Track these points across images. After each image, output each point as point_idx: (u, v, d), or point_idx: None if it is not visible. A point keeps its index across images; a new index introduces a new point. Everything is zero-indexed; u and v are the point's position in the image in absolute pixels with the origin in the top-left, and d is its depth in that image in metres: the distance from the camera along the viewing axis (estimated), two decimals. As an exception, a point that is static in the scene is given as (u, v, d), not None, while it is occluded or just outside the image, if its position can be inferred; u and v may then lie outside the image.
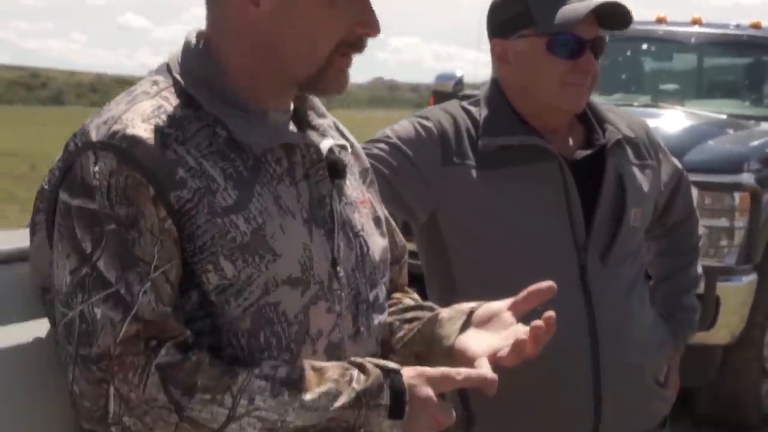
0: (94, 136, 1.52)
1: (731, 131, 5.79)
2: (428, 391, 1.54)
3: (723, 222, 5.00)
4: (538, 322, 1.60)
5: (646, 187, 2.37)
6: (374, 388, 1.52)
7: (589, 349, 2.25)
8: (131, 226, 1.49)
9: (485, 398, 2.28)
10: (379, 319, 1.73)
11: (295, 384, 1.50)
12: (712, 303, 4.84)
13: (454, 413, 1.57)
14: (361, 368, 1.54)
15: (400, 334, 1.80)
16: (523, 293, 1.70)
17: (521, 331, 1.64)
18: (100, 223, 1.48)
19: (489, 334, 1.70)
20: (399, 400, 1.52)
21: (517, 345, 1.61)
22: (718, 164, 5.12)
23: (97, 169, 1.50)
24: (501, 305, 1.73)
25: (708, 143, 5.34)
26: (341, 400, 1.50)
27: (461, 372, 1.56)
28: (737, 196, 5.04)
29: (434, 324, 1.77)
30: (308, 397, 1.49)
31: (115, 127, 1.51)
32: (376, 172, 1.99)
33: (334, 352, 1.62)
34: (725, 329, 5.01)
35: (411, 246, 2.15)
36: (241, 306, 1.54)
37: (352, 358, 1.58)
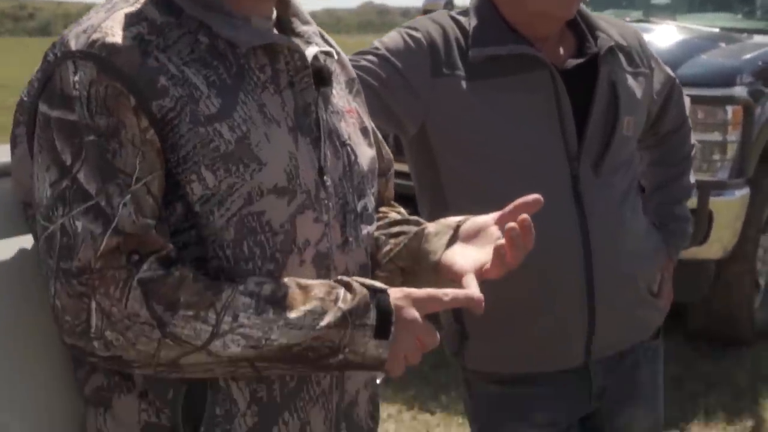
0: (73, 45, 1.49)
1: (723, 45, 5.72)
2: (414, 313, 1.52)
3: (716, 136, 4.96)
4: (512, 224, 1.58)
5: (639, 95, 2.33)
6: (360, 308, 1.50)
7: (582, 259, 2.23)
8: (112, 137, 1.46)
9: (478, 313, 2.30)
10: (367, 229, 1.70)
11: (280, 301, 1.48)
12: (704, 218, 4.83)
13: (438, 335, 1.55)
14: (348, 287, 1.52)
15: (386, 248, 1.78)
16: (510, 206, 1.67)
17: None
18: (80, 134, 1.46)
19: (475, 249, 1.67)
20: (385, 320, 1.50)
21: (497, 253, 1.59)
22: (710, 78, 5.07)
23: (76, 79, 1.46)
24: (488, 219, 1.70)
25: (700, 57, 5.28)
26: (326, 319, 1.48)
27: (448, 293, 1.54)
28: (730, 109, 5.00)
29: (421, 239, 1.74)
30: (293, 315, 1.47)
31: (95, 36, 1.48)
32: (365, 84, 1.96)
33: (322, 262, 1.60)
34: (718, 244, 5.00)
35: (400, 167, 2.12)
36: (224, 216, 1.51)
37: (339, 277, 1.56)
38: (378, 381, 1.80)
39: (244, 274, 1.51)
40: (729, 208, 4.98)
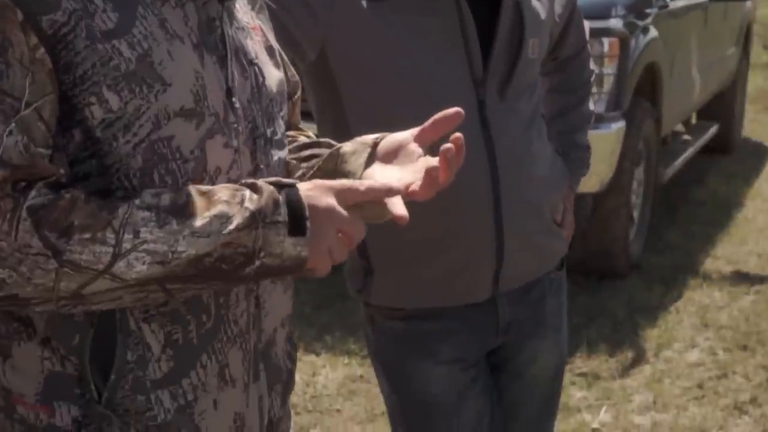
0: None
1: (598, -22, 5.71)
2: (330, 201, 1.40)
3: (593, 69, 4.93)
4: (447, 145, 1.47)
5: (543, 16, 2.25)
6: (269, 205, 1.37)
7: (490, 187, 2.15)
8: None
9: (385, 247, 2.20)
10: (278, 155, 1.57)
11: (182, 210, 1.35)
12: (583, 151, 4.82)
13: (364, 226, 1.43)
14: (253, 187, 1.39)
15: (299, 173, 1.66)
16: (429, 121, 1.57)
17: (432, 161, 1.51)
18: None
19: (397, 169, 1.56)
20: (298, 214, 1.38)
21: (429, 174, 1.48)
22: (587, 10, 4.94)
23: None
24: (406, 135, 1.59)
25: (576, -11, 5.26)
26: (234, 222, 1.35)
27: (364, 182, 1.43)
28: (606, 41, 4.99)
29: (336, 159, 1.62)
30: (198, 222, 1.34)
31: None
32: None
33: None
34: (595, 177, 4.98)
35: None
36: (130, 142, 1.37)
37: (244, 180, 1.44)
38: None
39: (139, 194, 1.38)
40: (606, 142, 4.98)
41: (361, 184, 1.43)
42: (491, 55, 2.15)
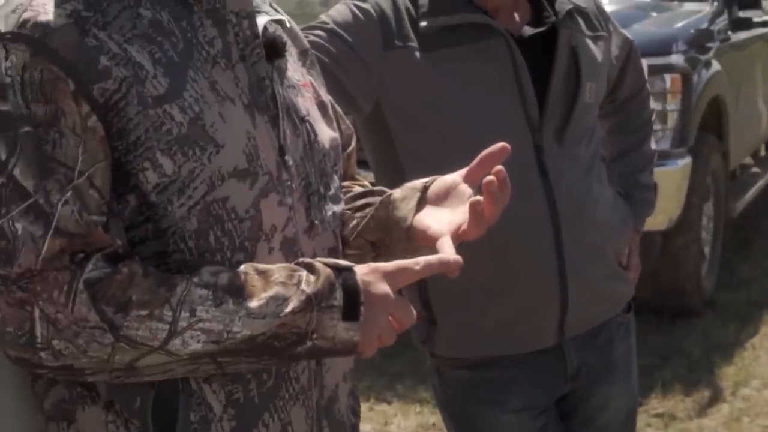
0: (2, 27, 1.34)
1: (655, 14, 5.68)
2: (385, 288, 1.39)
3: (656, 106, 4.85)
4: (489, 178, 1.46)
5: (599, 59, 2.24)
6: (325, 289, 1.37)
7: (552, 233, 2.13)
8: (50, 126, 1.32)
9: (447, 297, 2.19)
10: (333, 210, 1.57)
11: (239, 290, 1.35)
12: (650, 189, 4.76)
13: (414, 312, 1.42)
14: (310, 268, 1.39)
15: (353, 223, 1.65)
16: (476, 160, 1.55)
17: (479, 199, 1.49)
18: (15, 125, 1.32)
19: (448, 211, 1.54)
20: (353, 300, 1.37)
21: (474, 210, 1.46)
22: (646, 48, 4.95)
23: (8, 64, 1.32)
24: (455, 177, 1.58)
25: (633, 27, 5.21)
26: (290, 305, 1.35)
27: (419, 261, 1.41)
28: (668, 78, 4.95)
29: (387, 207, 1.62)
30: (254, 303, 1.34)
31: (26, 15, 1.34)
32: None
33: (290, 249, 1.47)
34: (663, 215, 4.93)
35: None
36: (185, 205, 1.38)
37: (300, 259, 1.44)
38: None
39: (199, 271, 1.38)
40: (672, 178, 4.93)
41: (416, 264, 1.41)
42: (547, 101, 2.14)
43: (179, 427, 1.41)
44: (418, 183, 1.62)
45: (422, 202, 1.59)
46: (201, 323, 1.33)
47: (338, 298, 1.37)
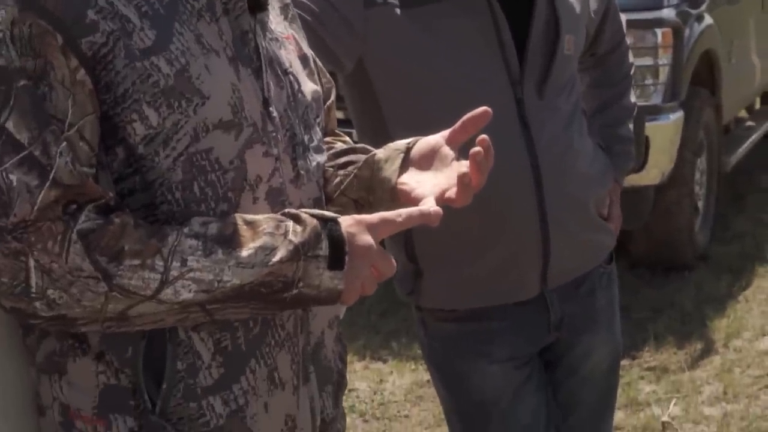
0: None
1: (647, -31, 5.67)
2: (368, 239, 1.44)
3: (647, 60, 4.91)
4: (475, 149, 1.50)
5: (578, 11, 2.26)
6: (312, 239, 1.42)
7: (533, 185, 2.16)
8: (40, 79, 1.36)
9: (432, 249, 2.22)
10: (317, 161, 1.62)
11: (229, 240, 1.40)
12: (641, 143, 4.78)
13: (395, 262, 1.47)
14: (297, 219, 1.44)
15: (336, 180, 1.69)
16: (458, 123, 1.59)
17: (463, 166, 1.54)
18: (9, 79, 1.36)
19: (432, 174, 1.59)
20: (338, 249, 1.43)
21: (461, 180, 1.51)
22: (638, 2, 5.01)
23: None
24: (438, 139, 1.62)
25: (626, -18, 5.22)
26: (278, 254, 1.40)
27: (401, 213, 1.46)
28: (659, 32, 4.96)
29: (371, 167, 1.66)
30: (243, 253, 1.39)
31: None
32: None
33: (276, 198, 1.51)
34: (656, 169, 4.97)
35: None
36: (170, 156, 1.42)
37: (287, 210, 1.48)
38: (340, 316, 1.72)
39: (189, 221, 1.42)
40: (664, 133, 4.95)
41: (398, 215, 1.46)
42: (526, 53, 2.16)
43: (167, 375, 1.45)
44: (401, 144, 1.65)
45: (406, 163, 1.62)
46: (192, 273, 1.38)
47: (324, 248, 1.42)
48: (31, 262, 1.34)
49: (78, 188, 1.37)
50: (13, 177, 1.34)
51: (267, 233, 1.41)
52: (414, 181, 1.59)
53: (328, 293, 1.44)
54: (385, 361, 4.51)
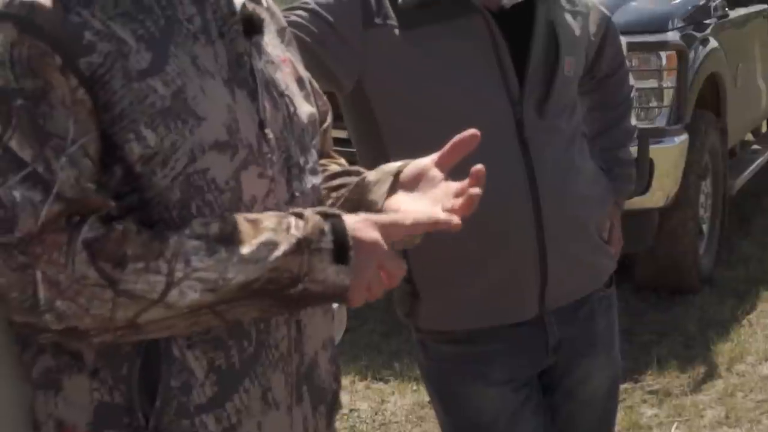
0: None
1: (652, -9, 5.68)
2: (375, 235, 1.46)
3: (651, 83, 4.91)
4: (474, 190, 1.50)
5: (577, 33, 2.26)
6: (315, 233, 1.44)
7: (531, 206, 2.16)
8: (41, 99, 1.38)
9: (428, 270, 2.22)
10: (313, 182, 1.63)
11: (230, 238, 1.42)
12: (646, 166, 4.75)
13: (405, 264, 1.48)
14: (299, 215, 1.46)
15: (328, 203, 1.70)
16: (447, 146, 1.60)
17: (452, 189, 1.54)
18: (7, 99, 1.38)
19: (419, 196, 1.59)
20: (342, 243, 1.44)
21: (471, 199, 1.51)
22: (642, 24, 5.02)
23: None
24: (427, 162, 1.62)
25: (630, 4, 5.22)
26: (281, 249, 1.42)
27: (409, 216, 1.48)
28: (664, 55, 4.96)
29: (362, 189, 1.66)
30: (246, 250, 1.41)
31: None
32: (297, 41, 1.87)
33: None
34: (660, 192, 4.96)
35: (338, 133, 2.02)
36: (168, 176, 1.44)
37: (290, 209, 1.50)
38: (336, 339, 1.72)
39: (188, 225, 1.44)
40: (669, 156, 4.95)
41: (407, 218, 1.47)
42: (527, 74, 2.16)
43: (161, 392, 1.46)
44: (393, 167, 1.66)
45: (394, 187, 1.63)
46: (196, 273, 1.39)
47: (327, 241, 1.44)
48: (38, 274, 1.36)
49: (81, 202, 1.39)
50: (16, 193, 1.36)
51: (269, 229, 1.43)
52: (403, 204, 1.60)
53: (335, 289, 1.45)
54: (386, 382, 4.50)
